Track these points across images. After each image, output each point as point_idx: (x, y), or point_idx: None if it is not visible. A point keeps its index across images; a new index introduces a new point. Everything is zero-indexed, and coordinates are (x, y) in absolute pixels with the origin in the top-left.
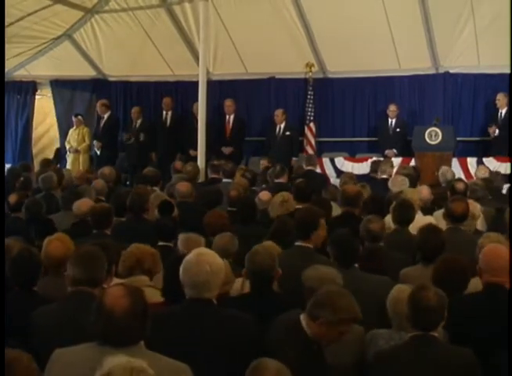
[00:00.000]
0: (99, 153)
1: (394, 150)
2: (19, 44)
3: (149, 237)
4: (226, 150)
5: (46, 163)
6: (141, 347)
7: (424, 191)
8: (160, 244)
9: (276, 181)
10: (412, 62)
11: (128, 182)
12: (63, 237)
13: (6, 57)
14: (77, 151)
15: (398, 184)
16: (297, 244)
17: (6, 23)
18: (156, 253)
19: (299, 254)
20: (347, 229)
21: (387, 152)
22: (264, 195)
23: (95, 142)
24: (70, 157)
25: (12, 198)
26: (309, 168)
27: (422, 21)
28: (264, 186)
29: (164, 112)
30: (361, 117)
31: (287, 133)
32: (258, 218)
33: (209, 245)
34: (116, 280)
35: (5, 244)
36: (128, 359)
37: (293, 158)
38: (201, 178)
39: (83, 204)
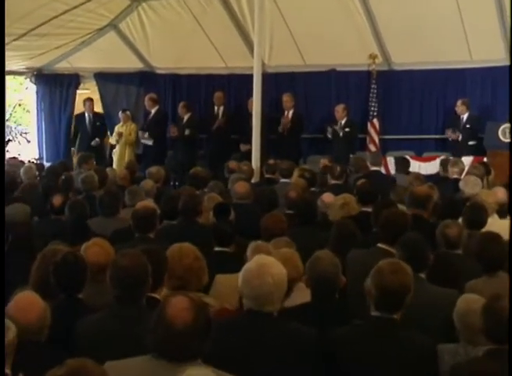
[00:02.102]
0: (148, 142)
1: (452, 130)
2: (62, 36)
3: (201, 242)
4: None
5: (84, 159)
6: (199, 364)
7: (500, 193)
8: (217, 249)
9: (334, 182)
10: (485, 53)
11: (176, 183)
12: (102, 242)
13: (46, 49)
14: (120, 135)
15: (470, 185)
16: (380, 246)
17: (49, 17)
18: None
19: (381, 258)
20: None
21: (447, 132)
22: (327, 197)
23: (140, 132)
24: (115, 155)
25: (57, 200)
26: (374, 168)
27: (496, 9)
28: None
29: (216, 107)
30: (429, 112)
31: (346, 129)
32: (319, 222)
33: None
34: (166, 290)
35: (47, 247)
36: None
37: (351, 155)
38: (256, 179)
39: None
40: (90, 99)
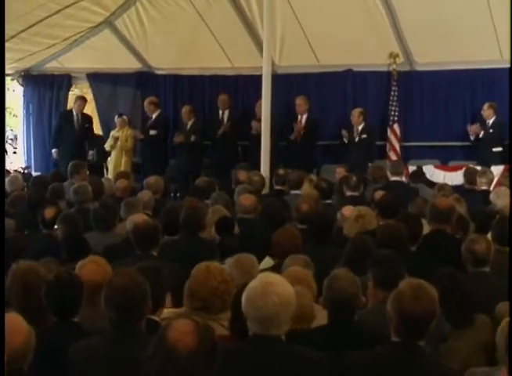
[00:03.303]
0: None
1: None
2: (54, 35)
3: (205, 259)
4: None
5: (75, 168)
6: None
7: None
8: None
9: (350, 194)
10: None
11: (177, 194)
12: (99, 260)
13: (36, 49)
14: (116, 140)
15: (502, 196)
16: None
17: (41, 18)
18: None
19: None
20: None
21: (469, 127)
22: (348, 211)
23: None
24: (111, 163)
25: (49, 213)
26: (395, 178)
27: None
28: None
29: (220, 111)
30: (454, 117)
31: (364, 136)
32: (336, 238)
33: (280, 267)
34: (166, 311)
35: (39, 265)
36: None
37: (369, 164)
38: (264, 190)
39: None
40: (83, 99)
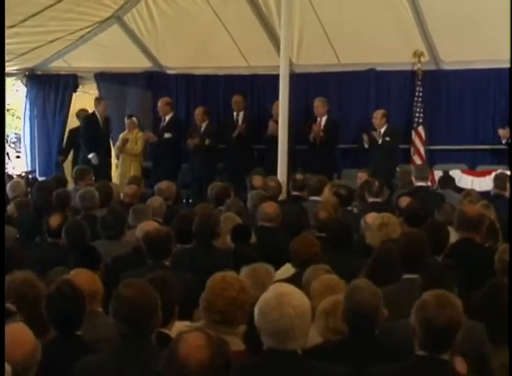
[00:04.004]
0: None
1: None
2: (57, 28)
3: (220, 268)
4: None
5: (80, 174)
6: None
7: None
8: None
9: (372, 200)
10: None
11: (190, 200)
12: (86, 269)
13: (40, 43)
14: (125, 142)
15: None
16: (405, 276)
17: (43, 7)
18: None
19: (408, 290)
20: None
21: (500, 131)
22: (371, 217)
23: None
24: (119, 168)
25: (54, 221)
26: (420, 183)
27: None
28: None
29: (235, 113)
30: (483, 119)
31: (387, 139)
32: (356, 246)
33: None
34: (178, 324)
35: (46, 276)
36: None
37: (397, 168)
38: (281, 196)
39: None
40: (103, 99)
